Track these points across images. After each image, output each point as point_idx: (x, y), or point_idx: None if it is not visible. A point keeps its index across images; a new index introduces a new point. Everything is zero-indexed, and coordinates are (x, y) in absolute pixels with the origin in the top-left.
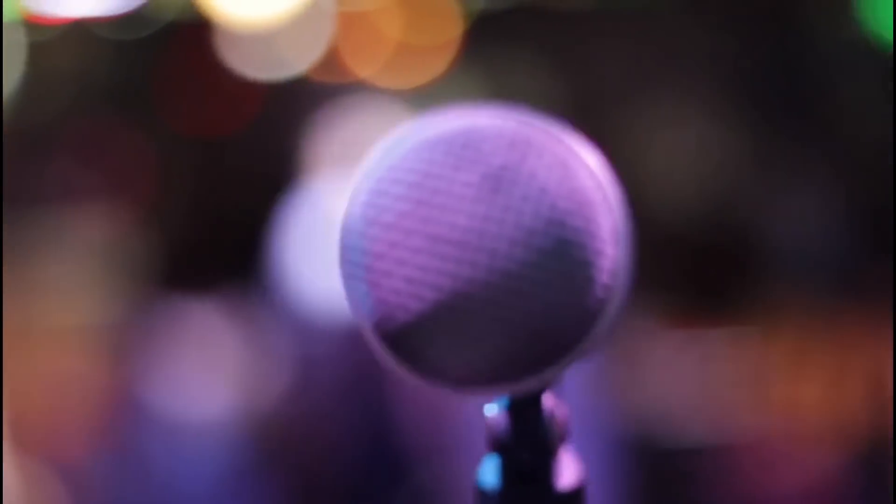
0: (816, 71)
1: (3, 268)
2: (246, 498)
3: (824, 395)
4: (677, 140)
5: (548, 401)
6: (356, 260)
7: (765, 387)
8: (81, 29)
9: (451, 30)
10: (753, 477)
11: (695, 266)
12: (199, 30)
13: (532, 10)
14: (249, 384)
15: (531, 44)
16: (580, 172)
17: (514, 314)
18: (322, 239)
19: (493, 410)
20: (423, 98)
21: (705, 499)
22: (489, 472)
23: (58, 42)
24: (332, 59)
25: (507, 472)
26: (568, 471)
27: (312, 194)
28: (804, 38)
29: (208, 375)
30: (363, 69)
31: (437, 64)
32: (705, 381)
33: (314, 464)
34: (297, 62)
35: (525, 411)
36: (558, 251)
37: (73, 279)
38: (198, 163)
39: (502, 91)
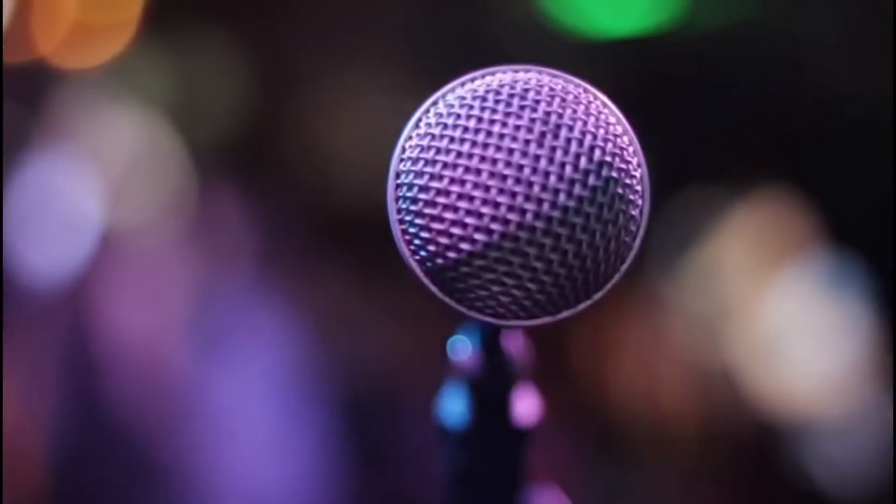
0: (497, 49)
1: None
2: None
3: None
4: (372, 115)
5: (507, 339)
6: (414, 196)
7: None
8: None
9: (131, 7)
10: None
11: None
12: None
13: None
14: None
15: (218, 20)
16: (611, 119)
17: (568, 248)
18: (39, 215)
19: (462, 352)
20: (108, 77)
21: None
22: (456, 410)
23: None
24: (11, 38)
25: (478, 406)
26: (529, 404)
27: (28, 171)
28: (488, 17)
29: None
30: (43, 48)
31: (117, 43)
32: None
33: (22, 440)
34: None
35: (494, 348)
36: (606, 190)
37: None
38: None
39: (189, 69)
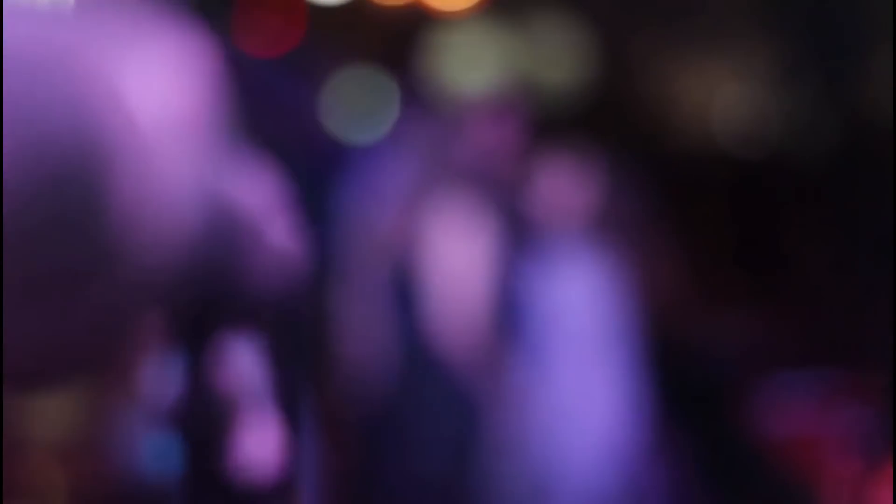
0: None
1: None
2: None
3: None
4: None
5: (217, 374)
6: None
7: None
8: None
9: None
10: None
11: None
12: None
13: None
14: None
15: None
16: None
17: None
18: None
19: (165, 389)
20: (478, 22)
21: None
22: (164, 452)
23: None
24: None
25: (186, 450)
26: (257, 448)
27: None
28: None
29: None
30: None
31: None
32: None
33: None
34: None
35: (195, 384)
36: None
37: None
38: None
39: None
